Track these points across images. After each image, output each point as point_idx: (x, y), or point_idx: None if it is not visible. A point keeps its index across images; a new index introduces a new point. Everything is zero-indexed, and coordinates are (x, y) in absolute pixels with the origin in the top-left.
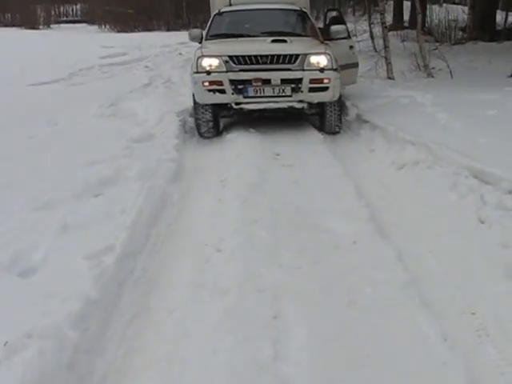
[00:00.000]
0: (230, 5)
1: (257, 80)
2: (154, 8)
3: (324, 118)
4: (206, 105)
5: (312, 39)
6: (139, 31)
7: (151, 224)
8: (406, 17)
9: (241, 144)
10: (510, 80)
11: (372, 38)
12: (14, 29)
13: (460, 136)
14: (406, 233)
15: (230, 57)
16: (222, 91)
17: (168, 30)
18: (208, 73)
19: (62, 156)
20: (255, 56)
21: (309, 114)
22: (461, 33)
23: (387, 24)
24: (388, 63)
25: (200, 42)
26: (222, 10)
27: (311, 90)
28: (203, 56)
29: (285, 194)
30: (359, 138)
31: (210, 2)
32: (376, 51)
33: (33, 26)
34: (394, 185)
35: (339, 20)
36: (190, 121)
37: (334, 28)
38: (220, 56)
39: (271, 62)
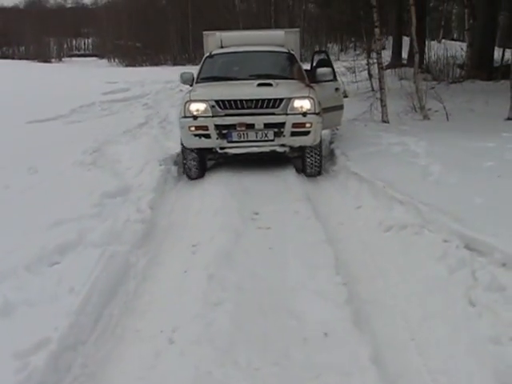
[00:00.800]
0: (222, 47)
1: (241, 125)
2: (161, 42)
3: (305, 161)
4: (193, 148)
5: (297, 82)
6: (147, 65)
7: (105, 303)
8: (405, 54)
9: (220, 199)
10: (507, 123)
11: (370, 76)
12: (26, 62)
13: (453, 194)
14: (388, 316)
15: (217, 101)
16: (207, 136)
17: (174, 64)
18: (195, 117)
19: (28, 214)
20: (240, 100)
21: (291, 157)
22: (459, 70)
23: (386, 62)
24: (383, 105)
25: (191, 85)
26: (213, 53)
27: (293, 134)
28: (191, 101)
29: (256, 267)
30: (346, 192)
31: (204, 42)
32: (373, 90)
33: (45, 59)
34: (379, 251)
35: (326, 62)
36: (174, 170)
37: (320, 71)
38: (207, 101)
39: (256, 107)
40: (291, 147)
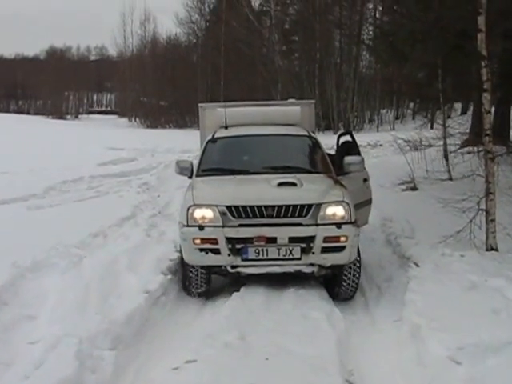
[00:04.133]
0: (226, 127)
1: (260, 239)
2: (188, 102)
3: (337, 282)
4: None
5: (324, 177)
6: (170, 127)
7: None
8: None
9: None
10: None
11: (447, 160)
12: (39, 117)
13: None
14: None
15: (228, 207)
16: (217, 251)
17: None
18: (200, 227)
19: None
20: (259, 207)
21: (317, 277)
22: None
23: (459, 135)
24: (490, 220)
25: (190, 177)
26: (216, 136)
27: (324, 250)
28: (195, 206)
29: None
30: None
31: (200, 118)
32: (451, 179)
33: (61, 115)
34: None
35: (352, 146)
36: (106, 362)
37: (349, 160)
38: (216, 206)
39: (278, 215)
40: (320, 266)
